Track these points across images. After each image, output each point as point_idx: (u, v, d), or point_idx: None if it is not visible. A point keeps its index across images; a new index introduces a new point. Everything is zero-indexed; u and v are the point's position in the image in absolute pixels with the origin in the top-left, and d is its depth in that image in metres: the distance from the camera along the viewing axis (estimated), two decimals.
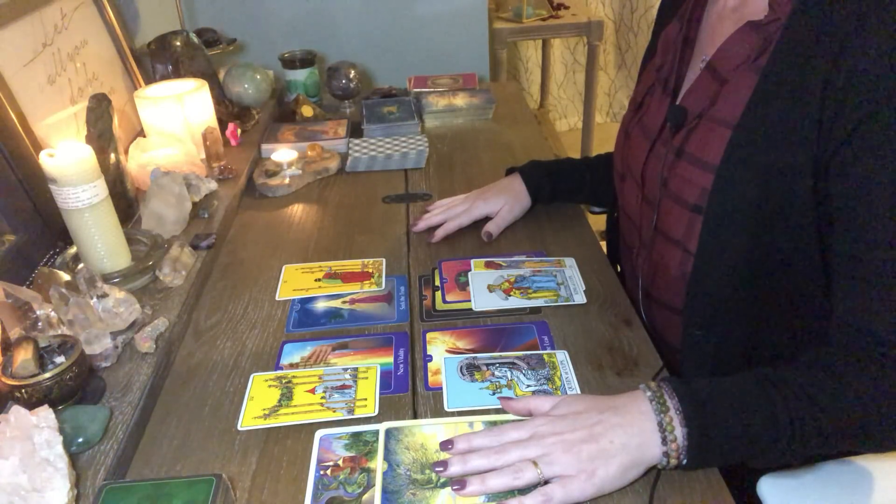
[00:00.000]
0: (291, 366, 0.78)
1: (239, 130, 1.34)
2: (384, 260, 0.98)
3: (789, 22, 0.67)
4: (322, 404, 0.72)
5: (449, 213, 1.04)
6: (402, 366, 0.77)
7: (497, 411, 0.70)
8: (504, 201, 1.04)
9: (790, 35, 0.66)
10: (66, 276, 0.82)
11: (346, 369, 0.77)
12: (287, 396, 0.73)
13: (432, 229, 1.03)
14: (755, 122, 0.68)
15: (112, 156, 1.01)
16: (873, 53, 0.60)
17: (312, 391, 0.74)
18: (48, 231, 0.93)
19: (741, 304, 0.74)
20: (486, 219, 1.03)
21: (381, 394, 0.73)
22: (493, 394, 0.72)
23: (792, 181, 0.66)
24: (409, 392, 0.74)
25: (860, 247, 0.63)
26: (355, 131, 1.42)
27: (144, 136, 1.19)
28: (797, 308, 0.73)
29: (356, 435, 0.67)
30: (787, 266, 0.70)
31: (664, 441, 0.60)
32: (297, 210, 1.14)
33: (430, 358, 0.78)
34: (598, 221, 1.17)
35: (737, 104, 0.71)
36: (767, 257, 0.70)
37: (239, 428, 0.70)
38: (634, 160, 0.88)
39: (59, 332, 0.74)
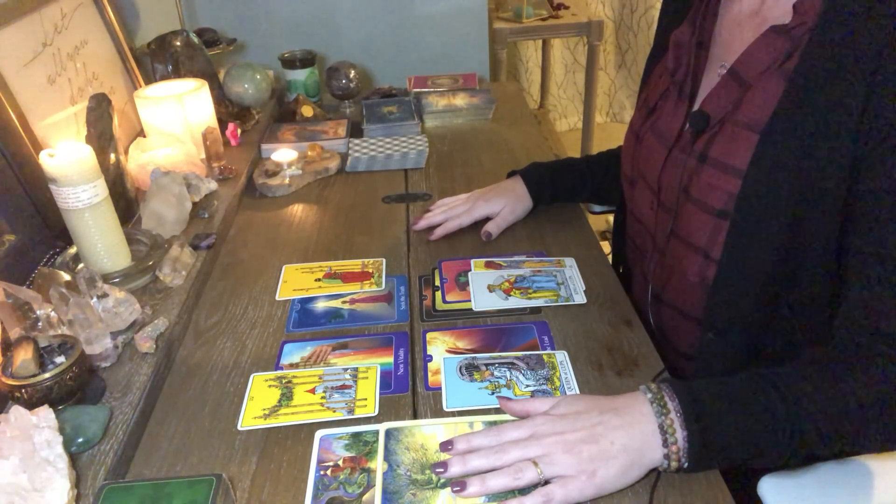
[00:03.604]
0: (291, 366, 0.78)
1: (239, 130, 1.34)
2: (384, 260, 0.98)
3: (819, 26, 0.66)
4: (322, 404, 0.72)
5: (450, 212, 1.04)
6: (402, 366, 0.77)
7: (496, 411, 0.70)
8: (505, 202, 1.04)
9: (821, 39, 0.66)
10: (66, 276, 0.82)
11: (346, 369, 0.77)
12: (287, 396, 0.73)
13: (432, 228, 1.03)
14: (785, 126, 0.68)
15: (112, 156, 1.01)
16: None
17: (312, 391, 0.74)
18: (48, 231, 0.93)
19: (762, 310, 0.74)
20: (487, 219, 1.03)
21: (381, 394, 0.73)
22: (492, 394, 0.72)
23: (822, 184, 0.66)
24: (409, 392, 0.74)
25: (883, 246, 0.63)
26: (355, 131, 1.42)
27: (144, 136, 1.19)
28: (815, 314, 0.73)
29: (356, 435, 0.67)
30: (810, 271, 0.70)
31: (665, 443, 0.60)
32: (297, 210, 1.14)
33: (430, 358, 0.78)
34: (598, 221, 1.17)
35: (763, 108, 0.71)
36: (793, 262, 0.70)
37: (239, 428, 0.70)
38: (649, 165, 0.87)
39: (59, 332, 0.74)
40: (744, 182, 0.70)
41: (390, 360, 0.78)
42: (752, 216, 0.70)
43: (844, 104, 0.64)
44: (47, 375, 0.66)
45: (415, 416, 0.71)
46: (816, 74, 0.66)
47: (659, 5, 0.97)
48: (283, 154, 1.23)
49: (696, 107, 0.81)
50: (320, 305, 0.89)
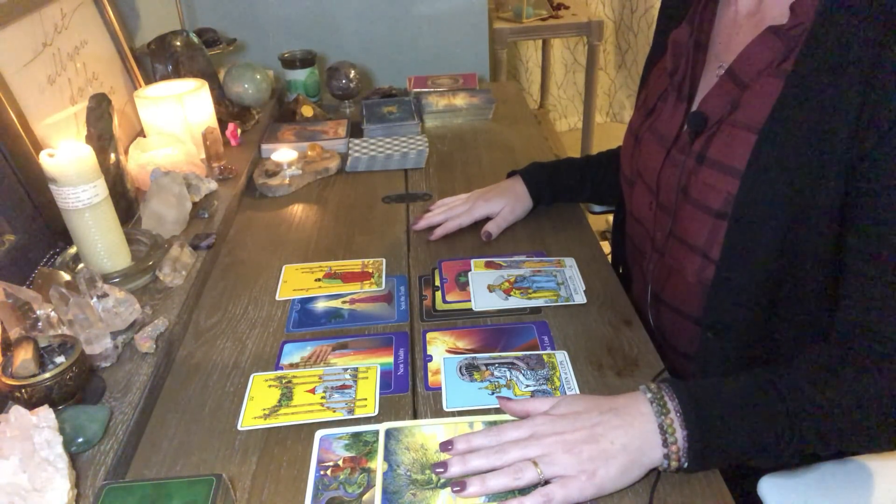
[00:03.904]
0: (291, 366, 0.78)
1: (239, 130, 1.34)
2: (384, 260, 0.98)
3: (816, 26, 0.66)
4: (322, 404, 0.72)
5: (450, 212, 1.04)
6: (402, 366, 0.77)
7: (496, 411, 0.70)
8: (505, 202, 1.04)
9: (817, 39, 0.66)
10: (66, 276, 0.82)
11: (346, 369, 0.77)
12: (287, 396, 0.73)
13: (432, 228, 1.03)
14: (782, 126, 0.68)
15: (112, 156, 1.01)
16: None
17: (312, 391, 0.74)
18: (48, 231, 0.93)
19: (761, 310, 0.74)
20: (487, 219, 1.03)
21: (381, 394, 0.73)
22: (492, 393, 0.72)
23: (821, 182, 0.66)
24: (409, 392, 0.74)
25: (881, 247, 0.63)
26: (355, 131, 1.42)
27: (144, 136, 1.19)
28: (815, 314, 0.73)
29: (356, 435, 0.67)
30: (809, 272, 0.70)
31: (665, 443, 0.60)
32: (297, 210, 1.14)
33: (430, 358, 0.78)
34: (598, 221, 1.17)
35: (761, 109, 0.71)
36: (791, 262, 0.70)
37: (239, 428, 0.70)
38: (647, 166, 0.87)
39: (59, 332, 0.74)
40: (742, 182, 0.70)
41: (390, 360, 0.78)
42: (750, 216, 0.70)
43: (841, 104, 0.63)
44: (47, 375, 0.66)
45: (415, 416, 0.71)
46: (813, 74, 0.66)
47: (659, 5, 0.97)
48: (283, 154, 1.23)
49: (694, 107, 0.81)
50: (320, 305, 0.89)
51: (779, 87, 0.69)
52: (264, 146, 1.34)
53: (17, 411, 0.60)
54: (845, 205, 0.66)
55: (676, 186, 0.80)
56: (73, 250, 0.90)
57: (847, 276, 0.67)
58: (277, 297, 0.91)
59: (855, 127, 0.63)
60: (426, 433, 0.67)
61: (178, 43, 1.33)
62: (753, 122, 0.71)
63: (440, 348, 0.80)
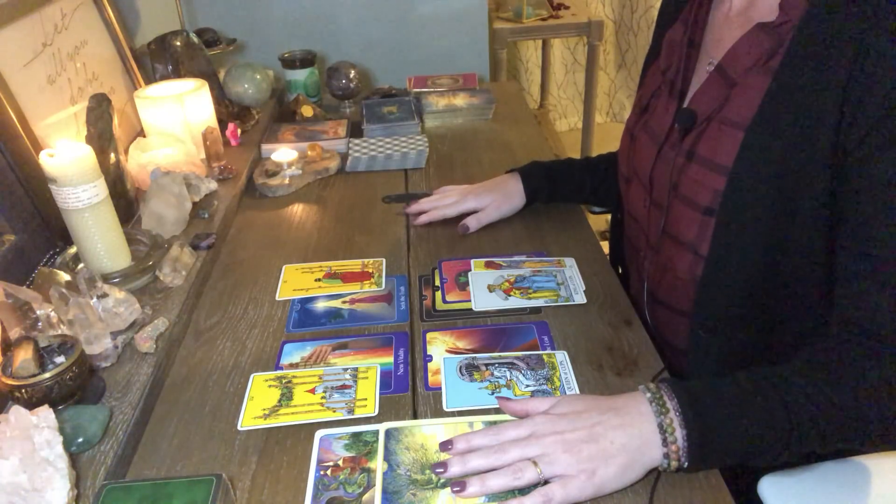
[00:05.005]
0: (291, 366, 0.78)
1: (239, 130, 1.34)
2: (384, 260, 0.98)
3: (803, 23, 0.67)
4: (322, 404, 0.72)
5: (438, 202, 1.05)
6: (402, 366, 0.77)
7: (496, 411, 0.70)
8: (492, 199, 1.04)
9: (804, 36, 0.66)
10: (66, 276, 0.82)
11: (346, 369, 0.77)
12: (287, 396, 0.73)
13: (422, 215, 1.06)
14: (769, 123, 0.68)
15: (112, 156, 1.01)
16: (890, 52, 0.60)
17: (312, 391, 0.74)
18: (48, 231, 0.93)
19: (750, 307, 0.74)
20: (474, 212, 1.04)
21: (381, 394, 0.73)
22: (492, 393, 0.72)
23: (806, 180, 0.66)
24: (409, 392, 0.74)
25: (871, 244, 0.63)
26: (355, 131, 1.42)
27: (144, 136, 1.19)
28: (805, 311, 0.73)
29: (356, 435, 0.67)
30: (797, 268, 0.70)
31: (664, 443, 0.60)
32: (297, 210, 1.14)
33: (430, 358, 0.78)
34: (598, 221, 1.17)
35: (748, 106, 0.71)
36: (779, 259, 0.70)
37: (239, 428, 0.70)
38: (641, 163, 0.87)
39: (59, 332, 0.74)
40: (729, 179, 0.71)
41: (390, 360, 0.78)
42: (736, 213, 0.71)
43: (827, 102, 0.64)
44: (47, 375, 0.66)
45: (415, 416, 0.71)
46: (800, 72, 0.66)
47: (659, 5, 0.98)
48: (283, 154, 1.23)
49: (685, 105, 0.81)
50: (320, 305, 0.89)
51: (766, 83, 0.69)
52: (264, 146, 1.34)
53: (17, 411, 0.60)
54: (833, 201, 0.66)
55: (668, 183, 0.80)
56: (73, 250, 0.90)
57: (840, 272, 0.67)
58: (277, 297, 0.91)
59: (839, 123, 0.63)
60: (426, 433, 0.67)
61: (178, 43, 1.33)
62: (741, 118, 0.72)
63: (440, 348, 0.80)
